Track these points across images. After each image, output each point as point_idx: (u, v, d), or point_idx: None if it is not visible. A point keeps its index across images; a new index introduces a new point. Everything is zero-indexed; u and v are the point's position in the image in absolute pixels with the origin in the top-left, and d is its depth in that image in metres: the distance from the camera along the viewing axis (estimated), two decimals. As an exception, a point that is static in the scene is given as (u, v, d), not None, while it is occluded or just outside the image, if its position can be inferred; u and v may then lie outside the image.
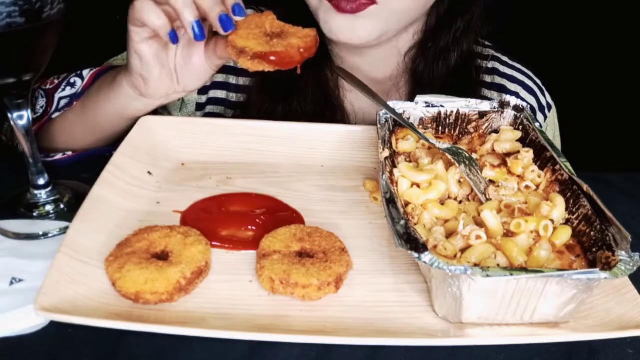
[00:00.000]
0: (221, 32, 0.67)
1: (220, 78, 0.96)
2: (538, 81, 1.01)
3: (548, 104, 1.01)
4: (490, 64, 0.99)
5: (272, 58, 0.64)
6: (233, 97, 0.97)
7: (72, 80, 0.88)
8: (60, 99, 0.86)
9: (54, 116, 0.85)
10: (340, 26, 0.81)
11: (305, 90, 0.92)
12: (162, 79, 0.74)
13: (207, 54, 0.74)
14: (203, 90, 0.96)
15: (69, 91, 0.87)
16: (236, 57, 0.66)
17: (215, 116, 0.98)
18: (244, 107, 0.95)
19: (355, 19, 0.80)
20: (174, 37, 0.68)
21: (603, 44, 1.59)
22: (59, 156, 0.84)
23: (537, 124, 0.72)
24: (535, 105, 0.99)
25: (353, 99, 0.96)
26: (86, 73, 0.88)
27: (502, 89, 0.97)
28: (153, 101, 0.77)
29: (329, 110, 0.93)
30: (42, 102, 0.87)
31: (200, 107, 0.98)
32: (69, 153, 0.85)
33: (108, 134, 0.83)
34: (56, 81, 0.89)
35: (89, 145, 0.84)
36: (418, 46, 0.93)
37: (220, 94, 0.97)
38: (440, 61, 0.91)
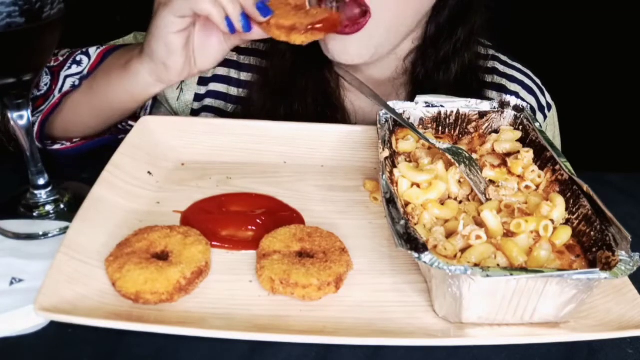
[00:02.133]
0: (260, 19, 0.70)
1: (222, 72, 0.96)
2: (538, 81, 1.01)
3: (548, 103, 1.01)
4: (490, 64, 0.99)
5: (321, 26, 0.70)
6: (234, 91, 0.97)
7: (78, 58, 0.87)
8: (66, 77, 0.86)
9: (57, 95, 0.85)
10: (335, 49, 0.82)
11: (306, 90, 0.92)
12: (184, 66, 0.76)
13: (227, 35, 0.75)
14: (203, 82, 0.96)
15: (75, 69, 0.86)
16: (286, 36, 0.70)
17: (213, 110, 0.97)
18: (245, 104, 0.95)
19: (348, 41, 0.80)
20: (232, 25, 0.70)
21: (603, 44, 1.60)
22: (57, 146, 0.84)
23: (537, 124, 0.72)
24: (535, 105, 0.99)
25: (353, 99, 0.96)
26: (93, 51, 0.87)
27: (501, 89, 0.97)
28: (169, 84, 0.79)
29: (330, 109, 0.93)
30: (46, 79, 0.87)
31: (198, 97, 0.97)
32: (68, 144, 0.85)
33: (117, 115, 0.84)
34: (61, 58, 0.88)
35: (95, 126, 0.84)
36: (418, 52, 0.92)
37: (221, 87, 0.97)
38: (441, 71, 0.91)
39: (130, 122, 0.88)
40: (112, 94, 0.80)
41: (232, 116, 0.96)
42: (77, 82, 0.85)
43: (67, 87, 0.85)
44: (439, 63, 0.91)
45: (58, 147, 0.85)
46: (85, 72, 0.85)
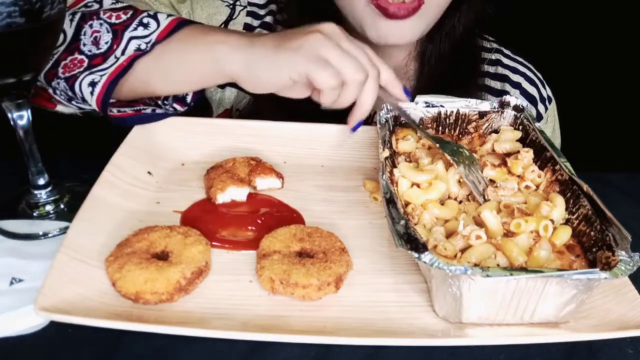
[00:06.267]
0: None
1: None
2: (539, 74, 1.04)
3: (549, 96, 1.04)
4: (494, 56, 1.03)
5: None
6: None
7: (145, 21, 0.78)
8: (131, 38, 0.77)
9: (119, 56, 0.77)
10: (389, 30, 0.83)
11: None
12: None
13: None
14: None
15: (141, 31, 0.77)
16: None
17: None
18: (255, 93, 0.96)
19: (403, 22, 0.82)
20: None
21: (603, 44, 1.59)
22: (115, 111, 0.78)
23: (537, 124, 0.72)
24: (537, 96, 1.02)
25: None
26: (163, 18, 0.78)
27: (505, 79, 1.01)
28: None
29: None
30: (107, 37, 0.77)
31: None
32: (127, 110, 0.79)
33: (194, 86, 0.79)
34: (123, 16, 0.79)
35: (165, 90, 0.79)
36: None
37: None
38: (445, 37, 0.94)
39: (175, 105, 0.82)
40: (192, 71, 0.76)
41: (239, 112, 0.97)
42: (143, 46, 0.77)
43: (130, 49, 0.77)
44: (443, 31, 0.94)
45: (115, 113, 0.78)
46: (154, 38, 0.77)
